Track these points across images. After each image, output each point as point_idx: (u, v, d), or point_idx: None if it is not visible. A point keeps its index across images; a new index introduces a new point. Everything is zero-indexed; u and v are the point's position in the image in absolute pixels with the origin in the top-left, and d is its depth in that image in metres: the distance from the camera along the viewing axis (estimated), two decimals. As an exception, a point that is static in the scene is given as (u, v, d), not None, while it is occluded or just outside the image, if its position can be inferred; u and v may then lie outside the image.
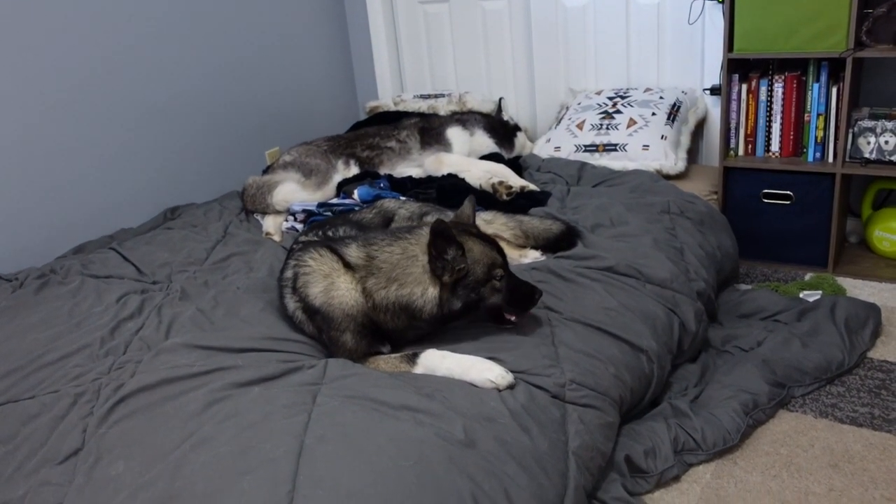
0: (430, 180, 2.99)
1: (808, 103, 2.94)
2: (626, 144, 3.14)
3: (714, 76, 3.27)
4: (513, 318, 1.92)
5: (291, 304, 1.99)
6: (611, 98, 3.36)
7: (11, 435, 1.72)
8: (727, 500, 1.83)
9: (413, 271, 1.83)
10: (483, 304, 1.86)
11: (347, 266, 1.90)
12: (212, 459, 1.49)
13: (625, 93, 3.37)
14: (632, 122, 3.19)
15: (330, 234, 2.11)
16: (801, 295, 2.67)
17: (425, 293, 1.82)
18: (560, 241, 2.41)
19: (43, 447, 1.66)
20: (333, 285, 1.89)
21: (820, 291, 2.68)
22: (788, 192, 2.99)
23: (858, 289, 2.82)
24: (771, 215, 3.05)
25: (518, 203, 2.74)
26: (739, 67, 3.04)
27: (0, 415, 1.78)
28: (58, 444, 1.66)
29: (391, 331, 1.89)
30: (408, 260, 1.84)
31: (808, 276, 2.95)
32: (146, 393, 1.72)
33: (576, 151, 3.24)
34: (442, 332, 1.94)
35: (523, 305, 1.90)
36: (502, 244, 2.38)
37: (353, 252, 1.91)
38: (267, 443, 1.51)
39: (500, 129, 3.39)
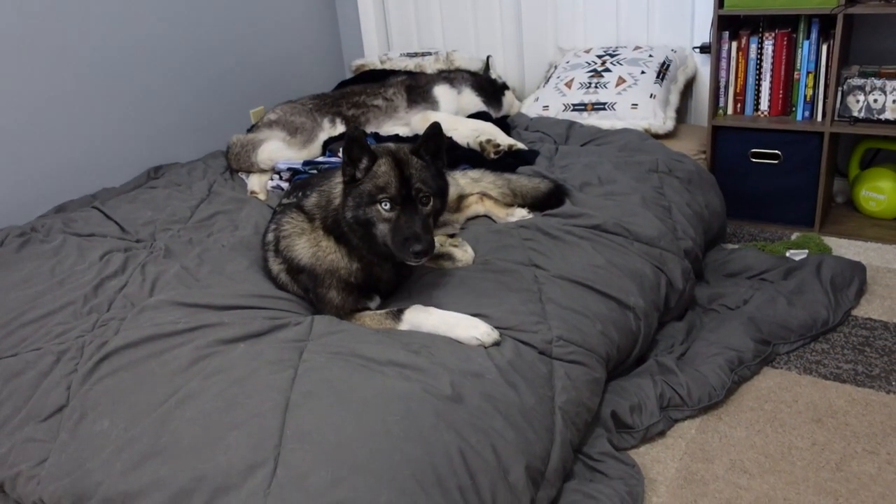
0: (416, 139, 2.94)
1: (798, 61, 2.91)
2: (615, 103, 3.11)
3: (704, 34, 3.23)
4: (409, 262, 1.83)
5: (275, 266, 1.99)
6: (600, 56, 3.32)
7: (-6, 392, 1.70)
8: (712, 454, 1.85)
9: (340, 180, 1.85)
10: (373, 230, 1.78)
11: (311, 219, 1.91)
12: (197, 415, 1.48)
13: (614, 51, 3.33)
14: (621, 81, 3.16)
15: (309, 193, 2.10)
16: (787, 254, 2.68)
17: (339, 203, 1.83)
18: (548, 200, 2.40)
19: (27, 404, 1.66)
20: (311, 242, 1.90)
21: (806, 250, 2.69)
22: (776, 152, 2.98)
23: (844, 248, 2.83)
24: (759, 175, 3.05)
25: (506, 162, 2.72)
26: (729, 25, 3.01)
27: (-18, 373, 1.76)
28: (42, 400, 1.65)
29: (365, 267, 1.89)
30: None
31: (794, 236, 2.95)
32: (131, 350, 1.70)
33: (564, 110, 3.21)
34: (427, 287, 1.93)
35: (401, 248, 1.75)
36: (489, 203, 2.39)
37: (311, 201, 1.94)
38: (253, 398, 1.50)
39: (488, 87, 3.35)
